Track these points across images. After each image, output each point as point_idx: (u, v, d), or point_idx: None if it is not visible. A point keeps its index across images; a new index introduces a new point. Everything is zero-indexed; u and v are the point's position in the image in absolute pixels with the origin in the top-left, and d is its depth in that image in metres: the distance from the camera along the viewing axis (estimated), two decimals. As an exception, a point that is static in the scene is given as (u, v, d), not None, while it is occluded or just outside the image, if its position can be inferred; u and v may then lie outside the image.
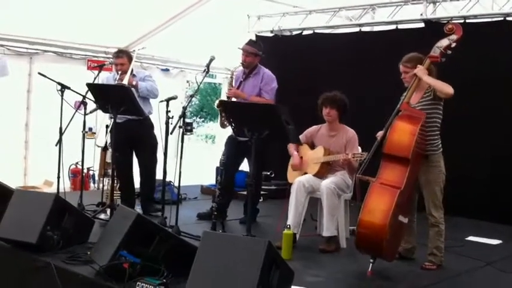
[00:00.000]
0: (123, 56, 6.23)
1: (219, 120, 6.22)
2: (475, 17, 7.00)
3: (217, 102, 6.43)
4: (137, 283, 3.47)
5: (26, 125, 8.26)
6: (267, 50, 9.13)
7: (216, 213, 5.21)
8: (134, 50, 6.81)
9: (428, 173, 4.66)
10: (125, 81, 5.98)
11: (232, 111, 4.85)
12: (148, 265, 3.62)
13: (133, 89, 5.93)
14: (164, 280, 3.50)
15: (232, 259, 3.22)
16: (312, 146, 5.60)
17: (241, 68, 6.25)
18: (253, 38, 9.10)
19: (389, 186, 4.39)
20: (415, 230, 4.87)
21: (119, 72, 6.16)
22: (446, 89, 4.47)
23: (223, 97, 6.31)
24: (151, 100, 6.32)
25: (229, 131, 6.40)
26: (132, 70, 6.21)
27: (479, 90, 6.70)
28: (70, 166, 8.07)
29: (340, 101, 5.43)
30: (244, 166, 6.55)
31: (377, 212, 4.31)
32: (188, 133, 6.16)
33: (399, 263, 4.70)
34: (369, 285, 4.25)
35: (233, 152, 5.95)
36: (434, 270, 4.60)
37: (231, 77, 6.31)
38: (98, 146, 6.63)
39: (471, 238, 5.91)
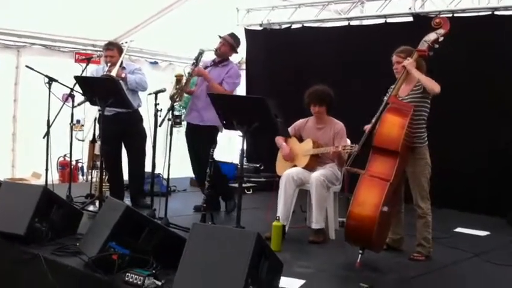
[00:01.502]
0: (113, 48, 6.21)
1: (170, 91, 5.80)
2: (463, 11, 7.03)
3: (177, 73, 6.19)
4: (126, 274, 3.48)
5: (13, 117, 8.21)
6: (256, 44, 9.20)
7: (205, 205, 5.21)
8: (123, 43, 6.76)
9: (415, 166, 4.69)
10: (113, 73, 5.94)
11: (222, 104, 4.84)
12: (137, 257, 3.61)
13: (121, 81, 5.91)
14: (154, 271, 3.49)
15: (221, 251, 3.23)
16: (300, 139, 5.61)
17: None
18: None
19: (379, 179, 4.41)
20: (402, 221, 4.90)
21: (109, 64, 6.13)
22: (433, 86, 4.50)
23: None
24: (140, 93, 6.31)
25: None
26: (122, 63, 6.19)
27: (467, 85, 6.73)
28: (58, 158, 8.03)
29: (328, 97, 5.44)
30: (235, 158, 6.54)
31: (367, 205, 4.33)
32: (177, 126, 6.13)
33: (387, 254, 4.74)
34: (358, 276, 4.26)
35: (191, 139, 6.16)
36: (423, 261, 4.63)
37: (197, 58, 6.08)
38: (78, 140, 6.60)
39: (459, 229, 5.96)
